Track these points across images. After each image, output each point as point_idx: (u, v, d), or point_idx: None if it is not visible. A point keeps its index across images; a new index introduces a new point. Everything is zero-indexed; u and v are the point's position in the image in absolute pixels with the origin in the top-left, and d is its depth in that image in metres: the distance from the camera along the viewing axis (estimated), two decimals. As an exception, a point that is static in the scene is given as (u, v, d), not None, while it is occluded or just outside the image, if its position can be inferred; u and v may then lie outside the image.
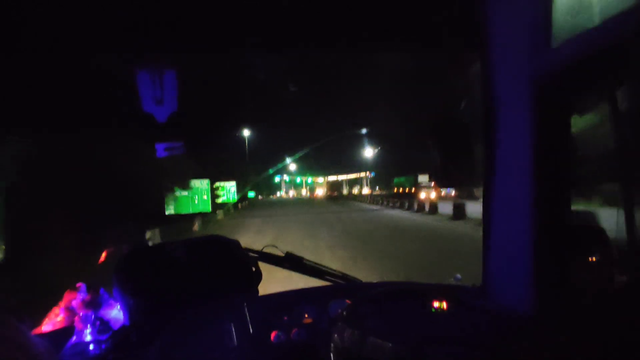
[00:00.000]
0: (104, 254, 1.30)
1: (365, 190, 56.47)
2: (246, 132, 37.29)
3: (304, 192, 72.25)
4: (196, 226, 14.33)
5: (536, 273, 0.97)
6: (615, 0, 0.67)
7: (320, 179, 71.23)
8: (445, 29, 1.25)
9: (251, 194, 37.37)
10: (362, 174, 60.55)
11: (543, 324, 0.87)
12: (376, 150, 55.64)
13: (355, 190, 56.10)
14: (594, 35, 0.74)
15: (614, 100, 0.87)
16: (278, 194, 71.93)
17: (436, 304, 0.92)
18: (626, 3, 0.60)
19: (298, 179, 73.55)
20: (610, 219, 0.92)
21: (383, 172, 54.63)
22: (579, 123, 0.98)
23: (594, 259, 0.91)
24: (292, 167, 70.17)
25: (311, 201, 41.11)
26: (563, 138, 0.96)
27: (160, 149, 1.70)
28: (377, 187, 56.73)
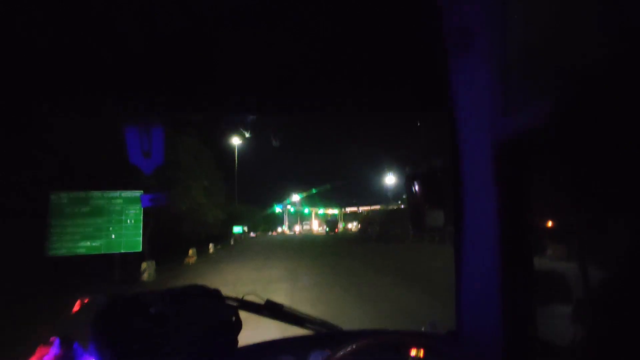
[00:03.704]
0: (77, 304, 1.26)
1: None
2: (236, 142, 31.47)
3: (316, 226, 56.79)
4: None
5: (504, 319, 1.01)
6: (565, 72, 0.79)
7: (333, 211, 57.97)
8: (415, 93, 1.39)
9: (237, 229, 28.32)
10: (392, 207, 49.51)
11: None
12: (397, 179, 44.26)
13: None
14: (545, 105, 0.85)
15: (567, 162, 0.97)
16: (279, 229, 54.44)
17: (413, 353, 0.98)
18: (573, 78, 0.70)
19: (306, 210, 59.08)
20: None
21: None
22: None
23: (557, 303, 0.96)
24: (297, 198, 57.76)
25: (334, 242, 26.10)
26: (524, 193, 1.05)
27: (145, 200, 1.71)
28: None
